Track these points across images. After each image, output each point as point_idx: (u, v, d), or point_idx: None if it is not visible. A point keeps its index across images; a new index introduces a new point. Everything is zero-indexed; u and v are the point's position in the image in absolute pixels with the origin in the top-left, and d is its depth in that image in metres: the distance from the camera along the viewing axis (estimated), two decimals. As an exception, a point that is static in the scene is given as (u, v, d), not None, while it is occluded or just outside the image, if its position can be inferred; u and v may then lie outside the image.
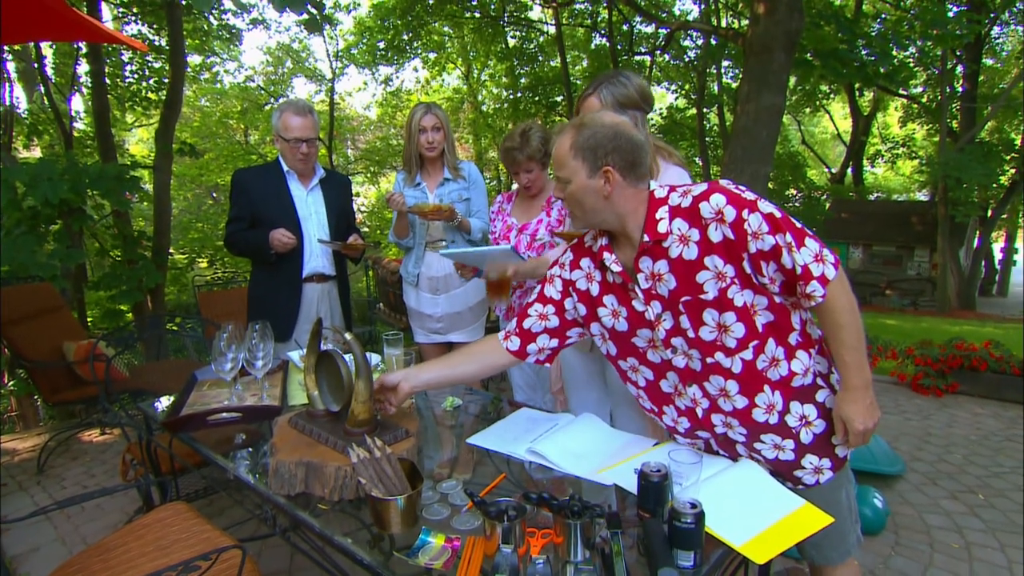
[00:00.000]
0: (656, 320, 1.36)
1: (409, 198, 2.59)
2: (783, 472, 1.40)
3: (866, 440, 1.33)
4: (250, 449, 1.68)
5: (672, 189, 1.33)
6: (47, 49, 7.87)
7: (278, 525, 1.50)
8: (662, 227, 1.30)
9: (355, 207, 2.91)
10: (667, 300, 1.33)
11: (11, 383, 5.01)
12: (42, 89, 7.84)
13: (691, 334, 1.33)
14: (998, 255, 15.99)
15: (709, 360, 1.33)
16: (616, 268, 1.39)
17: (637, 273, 1.36)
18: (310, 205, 2.59)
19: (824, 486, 1.39)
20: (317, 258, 2.59)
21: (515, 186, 2.51)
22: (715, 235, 1.25)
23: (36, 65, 7.50)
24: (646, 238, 1.32)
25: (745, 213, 1.22)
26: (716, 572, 1.12)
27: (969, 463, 3.13)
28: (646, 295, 1.36)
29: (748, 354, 1.31)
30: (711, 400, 1.38)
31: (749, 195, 1.25)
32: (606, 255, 1.40)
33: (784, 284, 1.27)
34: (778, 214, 1.23)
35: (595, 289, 1.47)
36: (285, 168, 2.55)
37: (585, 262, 1.48)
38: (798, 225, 1.24)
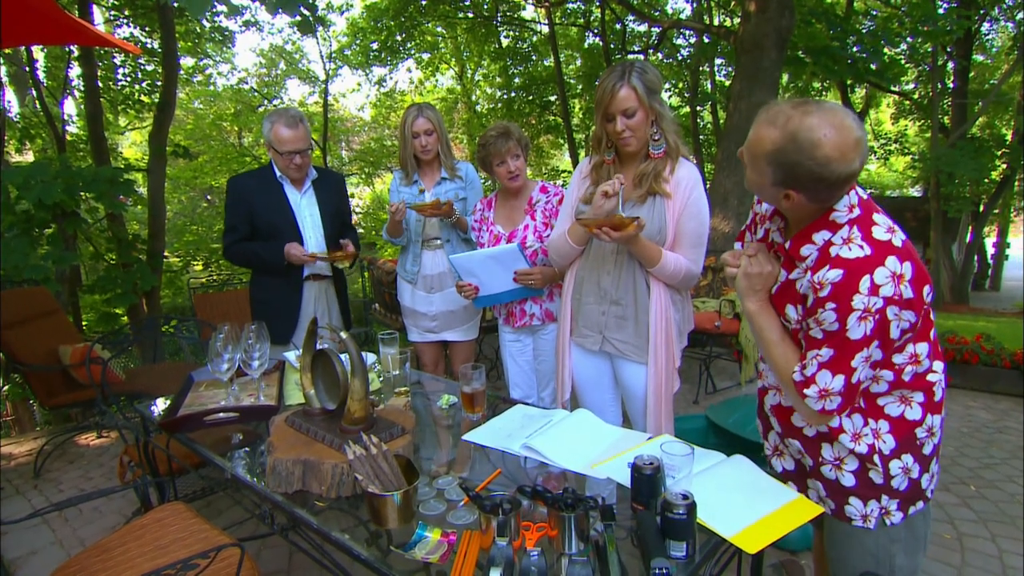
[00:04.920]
0: None
1: (406, 197, 2.61)
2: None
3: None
4: (247, 449, 1.69)
5: (853, 225, 1.20)
6: (39, 52, 7.83)
7: (276, 523, 1.51)
8: (805, 250, 1.25)
9: (350, 207, 2.91)
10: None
11: (5, 387, 4.99)
12: (34, 93, 7.81)
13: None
14: (990, 250, 16.06)
15: None
16: (778, 239, 1.36)
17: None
18: (304, 208, 2.61)
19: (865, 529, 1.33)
20: None
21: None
22: (800, 288, 1.25)
23: (28, 69, 7.45)
24: (788, 246, 1.28)
25: (830, 305, 1.16)
26: (708, 562, 1.14)
27: (961, 455, 3.16)
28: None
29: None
30: (776, 389, 1.48)
31: (870, 299, 1.12)
32: (777, 218, 1.38)
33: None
34: (855, 337, 1.15)
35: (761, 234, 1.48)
36: (278, 173, 2.56)
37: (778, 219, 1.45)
38: (852, 363, 1.17)
